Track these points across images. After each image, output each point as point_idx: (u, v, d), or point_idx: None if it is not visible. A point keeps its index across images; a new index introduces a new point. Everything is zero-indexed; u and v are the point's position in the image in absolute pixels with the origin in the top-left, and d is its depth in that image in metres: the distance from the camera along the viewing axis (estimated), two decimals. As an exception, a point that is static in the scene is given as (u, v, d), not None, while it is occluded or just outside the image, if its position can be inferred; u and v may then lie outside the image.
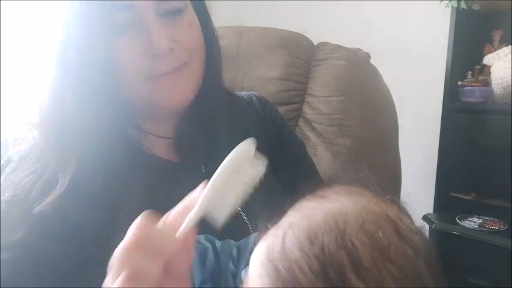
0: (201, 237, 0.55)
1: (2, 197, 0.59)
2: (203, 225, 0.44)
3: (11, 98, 1.23)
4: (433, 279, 0.37)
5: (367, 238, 0.35)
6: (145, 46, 0.58)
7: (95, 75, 0.57)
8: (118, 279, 0.39)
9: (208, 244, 0.54)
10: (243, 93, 0.84)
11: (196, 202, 0.42)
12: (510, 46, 1.58)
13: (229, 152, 0.44)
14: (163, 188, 0.61)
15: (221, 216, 0.43)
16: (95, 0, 0.55)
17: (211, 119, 0.70)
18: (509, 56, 1.55)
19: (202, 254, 0.53)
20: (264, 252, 0.38)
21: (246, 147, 0.44)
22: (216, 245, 0.55)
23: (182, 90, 0.63)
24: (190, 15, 0.63)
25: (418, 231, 0.39)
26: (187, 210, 0.42)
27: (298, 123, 1.10)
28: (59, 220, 0.57)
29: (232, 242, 0.56)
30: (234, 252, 0.54)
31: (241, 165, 0.43)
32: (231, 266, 0.53)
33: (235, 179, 0.43)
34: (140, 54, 0.58)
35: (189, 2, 0.63)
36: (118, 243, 0.45)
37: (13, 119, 1.12)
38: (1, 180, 0.62)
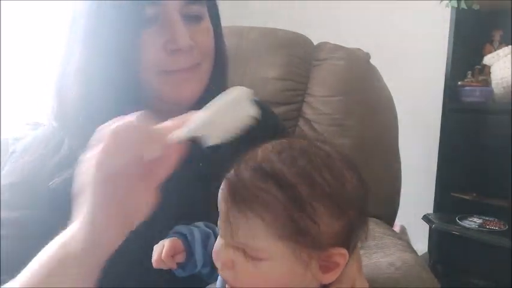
0: (201, 224, 0.58)
1: (3, 181, 0.62)
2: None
3: (11, 98, 1.24)
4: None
5: (282, 146, 0.47)
6: (167, 40, 0.61)
7: (120, 64, 0.60)
8: (105, 147, 0.44)
9: (210, 230, 0.57)
10: None
11: (192, 121, 0.46)
12: (510, 46, 1.58)
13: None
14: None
15: (210, 142, 0.46)
16: None
17: None
18: (509, 56, 1.55)
19: (205, 238, 0.55)
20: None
21: (246, 90, 0.48)
22: (217, 232, 0.57)
23: (191, 88, 0.66)
24: (208, 22, 0.67)
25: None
26: (182, 124, 0.47)
27: (298, 123, 1.10)
28: (67, 196, 0.59)
29: None
30: None
31: (240, 103, 0.47)
32: None
33: (232, 112, 0.46)
34: (161, 48, 0.61)
35: (206, 10, 0.67)
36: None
37: (13, 119, 1.12)
38: (4, 167, 0.65)
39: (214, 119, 0.46)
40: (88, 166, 0.46)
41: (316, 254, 0.45)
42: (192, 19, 0.64)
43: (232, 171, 0.48)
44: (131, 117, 0.46)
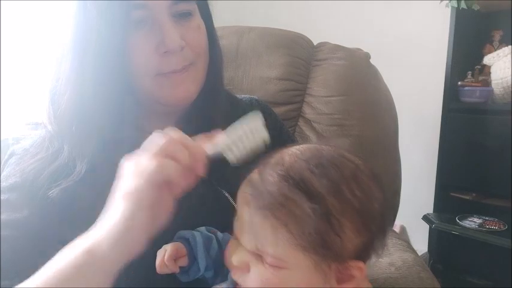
0: (203, 229, 0.58)
1: (3, 184, 0.62)
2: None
3: (11, 98, 1.24)
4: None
5: (312, 153, 0.47)
6: (157, 43, 0.60)
7: (110, 69, 0.60)
8: (154, 159, 0.46)
9: (212, 235, 0.57)
10: (243, 96, 0.85)
11: (216, 140, 0.51)
12: (510, 46, 1.58)
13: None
14: None
15: (231, 158, 0.51)
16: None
17: (210, 119, 0.72)
18: (509, 56, 1.55)
19: (207, 242, 0.55)
20: (244, 181, 0.49)
21: (261, 116, 0.53)
22: (218, 236, 0.57)
23: (187, 89, 0.65)
24: (198, 19, 0.66)
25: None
26: (208, 141, 0.51)
27: (298, 123, 1.10)
28: (66, 205, 0.60)
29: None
30: None
31: (258, 129, 0.52)
32: None
33: (250, 134, 0.52)
34: (152, 51, 0.61)
35: (196, 7, 0.66)
36: None
37: (13, 119, 1.12)
38: (4, 169, 0.65)
39: (236, 142, 0.51)
40: (131, 173, 0.47)
41: (335, 266, 0.44)
42: (182, 16, 0.63)
43: (255, 174, 0.47)
44: (172, 132, 0.49)
